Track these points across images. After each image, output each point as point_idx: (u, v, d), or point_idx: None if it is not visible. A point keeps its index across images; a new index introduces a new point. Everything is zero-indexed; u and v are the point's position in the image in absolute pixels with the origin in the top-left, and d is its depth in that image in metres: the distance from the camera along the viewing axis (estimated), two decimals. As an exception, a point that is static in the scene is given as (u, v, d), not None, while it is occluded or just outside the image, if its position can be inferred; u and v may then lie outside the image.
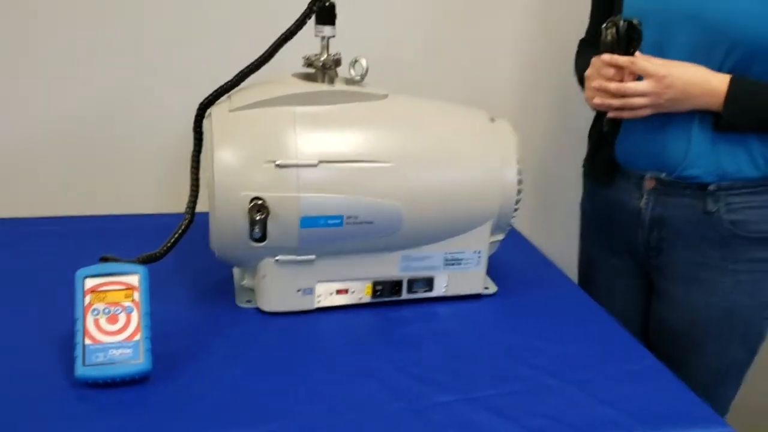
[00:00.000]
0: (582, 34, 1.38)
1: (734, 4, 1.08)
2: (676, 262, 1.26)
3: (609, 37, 1.09)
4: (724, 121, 1.10)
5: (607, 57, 1.11)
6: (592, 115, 1.33)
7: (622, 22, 1.08)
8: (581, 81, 1.30)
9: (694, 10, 1.10)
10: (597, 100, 1.15)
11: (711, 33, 1.09)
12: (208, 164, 1.01)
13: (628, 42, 1.09)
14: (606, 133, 1.20)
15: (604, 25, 1.10)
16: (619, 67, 1.10)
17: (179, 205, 1.09)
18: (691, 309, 1.25)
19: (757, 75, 1.09)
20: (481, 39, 1.57)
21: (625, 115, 1.13)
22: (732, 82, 1.08)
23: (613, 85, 1.11)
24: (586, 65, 1.20)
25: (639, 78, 1.10)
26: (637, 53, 1.10)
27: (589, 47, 1.32)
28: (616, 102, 1.12)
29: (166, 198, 1.51)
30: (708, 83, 1.09)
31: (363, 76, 1.08)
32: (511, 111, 1.61)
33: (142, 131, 1.47)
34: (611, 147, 1.27)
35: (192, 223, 1.07)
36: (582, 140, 1.38)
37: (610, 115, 1.16)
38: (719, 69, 1.10)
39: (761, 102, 1.09)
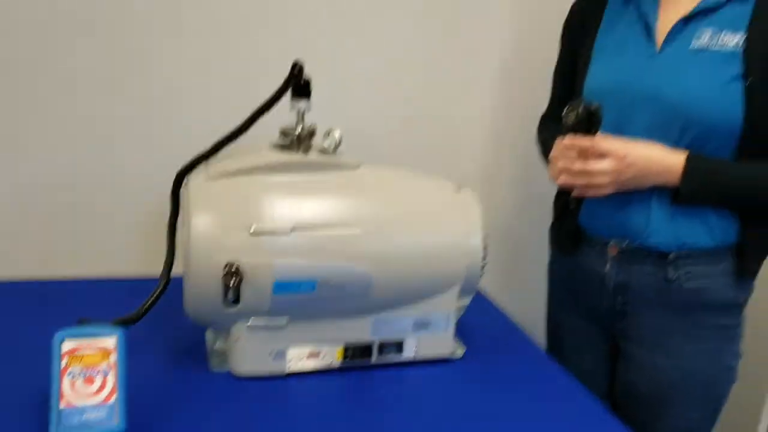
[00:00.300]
0: (543, 108, 1.45)
1: (690, 87, 1.15)
2: (640, 327, 1.30)
3: (570, 121, 1.15)
4: (682, 196, 1.16)
5: (569, 141, 1.16)
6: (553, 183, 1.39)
7: (581, 107, 1.14)
8: (544, 153, 1.36)
9: (652, 92, 1.17)
10: (562, 180, 1.20)
11: (668, 114, 1.16)
12: (185, 230, 1.04)
13: (589, 124, 1.14)
14: (572, 209, 1.25)
15: (565, 110, 1.16)
16: (581, 149, 1.16)
17: (156, 269, 1.12)
18: (656, 373, 1.29)
19: (711, 152, 1.16)
20: (450, 113, 1.63)
21: (590, 193, 1.18)
22: (688, 160, 1.15)
23: (576, 166, 1.16)
24: (548, 140, 1.27)
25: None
26: (598, 134, 1.16)
27: (550, 122, 1.39)
28: (580, 181, 1.17)
29: (143, 262, 1.53)
30: (666, 161, 1.16)
31: (336, 147, 1.13)
32: (478, 179, 1.67)
33: (121, 196, 1.50)
34: (575, 216, 1.32)
35: (168, 286, 1.10)
36: (547, 206, 1.43)
37: (575, 193, 1.21)
38: (675, 146, 1.17)
39: (716, 178, 1.16)
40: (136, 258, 1.54)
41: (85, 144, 1.47)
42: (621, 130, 1.19)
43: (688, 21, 1.17)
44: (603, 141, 1.15)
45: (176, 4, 1.44)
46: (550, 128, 1.32)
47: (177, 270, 1.09)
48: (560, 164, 1.19)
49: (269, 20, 1.49)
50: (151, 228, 1.52)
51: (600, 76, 1.25)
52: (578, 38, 1.31)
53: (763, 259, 1.26)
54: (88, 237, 1.51)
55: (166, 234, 1.12)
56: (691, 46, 1.16)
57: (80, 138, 1.47)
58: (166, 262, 1.11)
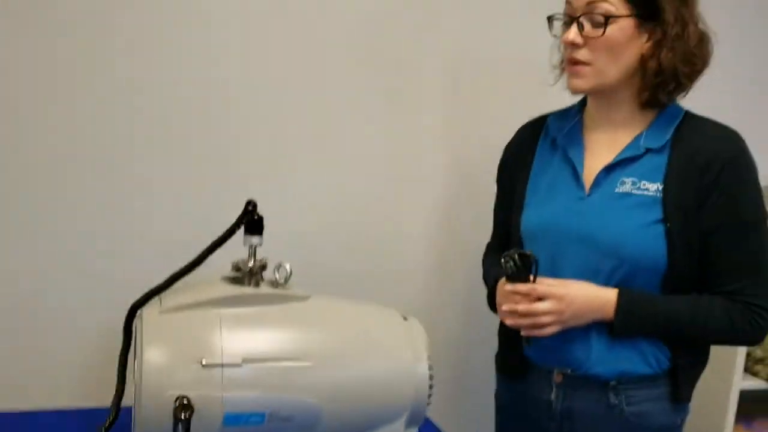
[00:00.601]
0: (481, 237, 1.53)
1: (617, 229, 1.24)
2: (586, 453, 1.33)
3: (509, 270, 1.22)
4: (616, 329, 1.24)
5: (510, 287, 1.23)
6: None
7: (516, 256, 1.22)
8: (486, 282, 1.43)
9: (583, 233, 1.26)
10: (509, 321, 1.26)
11: (599, 254, 1.25)
12: (137, 363, 1.06)
13: (526, 270, 1.22)
14: (526, 347, 1.30)
15: (502, 258, 1.23)
16: (523, 293, 1.24)
17: (105, 400, 1.12)
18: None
19: (639, 287, 1.25)
20: (393, 241, 1.70)
21: (535, 333, 1.25)
22: (619, 296, 1.23)
23: (521, 308, 1.22)
24: (488, 270, 1.34)
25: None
26: (537, 278, 1.23)
27: (494, 252, 1.46)
28: (525, 322, 1.24)
29: (93, 394, 1.52)
30: (600, 298, 1.23)
31: (287, 279, 1.18)
32: (424, 306, 1.71)
33: (72, 328, 1.50)
34: (519, 344, 1.37)
35: (117, 419, 1.10)
36: (491, 333, 1.48)
37: (523, 333, 1.26)
38: (606, 284, 1.25)
39: (645, 312, 1.24)
40: (86, 390, 1.52)
41: (37, 273, 1.49)
42: (556, 268, 1.26)
43: (610, 169, 1.28)
44: (541, 285, 1.22)
45: (121, 152, 1.50)
46: (492, 259, 1.39)
47: (127, 401, 1.10)
48: (505, 307, 1.25)
49: (221, 158, 1.55)
50: (102, 360, 1.51)
51: (534, 217, 1.33)
52: (512, 178, 1.41)
53: (695, 383, 1.32)
54: (37, 369, 1.50)
55: (117, 366, 1.13)
56: (616, 190, 1.26)
57: (34, 267, 1.48)
58: (116, 393, 1.12)
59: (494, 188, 1.47)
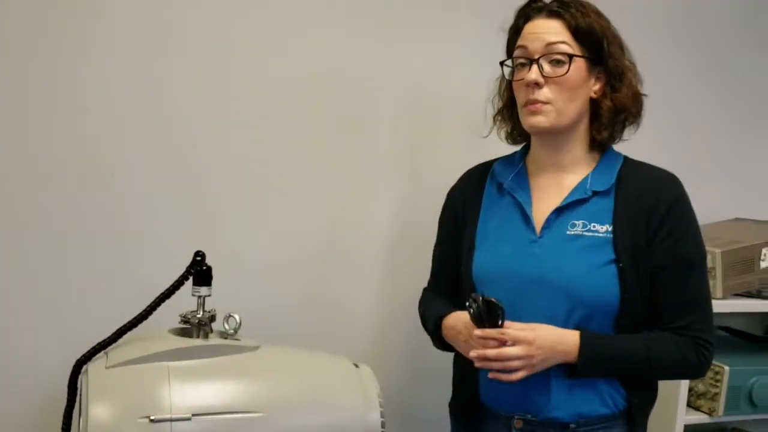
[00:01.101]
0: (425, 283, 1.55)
1: (571, 270, 1.25)
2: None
3: (475, 314, 1.21)
4: (579, 371, 1.25)
5: (479, 332, 1.22)
6: (449, 357, 1.46)
7: (481, 299, 1.22)
8: (424, 326, 1.44)
9: (537, 276, 1.27)
10: (479, 365, 1.26)
11: (554, 296, 1.26)
12: (82, 420, 1.03)
13: (493, 315, 1.23)
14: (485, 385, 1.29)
15: (467, 303, 1.22)
16: (493, 338, 1.23)
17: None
18: None
19: (595, 327, 1.27)
20: (340, 288, 1.71)
21: (504, 377, 1.23)
22: (581, 338, 1.24)
23: (491, 352, 1.21)
24: (426, 310, 1.37)
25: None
26: (505, 322, 1.24)
27: (431, 294, 1.47)
28: (495, 365, 1.23)
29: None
30: (565, 341, 1.24)
31: (236, 330, 1.17)
32: (372, 356, 1.70)
33: (12, 385, 1.45)
34: (475, 391, 1.38)
35: (59, 481, 1.07)
36: (444, 380, 1.49)
37: (492, 375, 1.23)
38: (564, 325, 1.26)
39: (606, 352, 1.25)
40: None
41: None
42: (513, 312, 1.27)
43: (560, 212, 1.30)
44: (511, 329, 1.21)
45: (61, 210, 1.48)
46: (432, 302, 1.40)
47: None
48: (473, 354, 1.24)
49: (167, 209, 1.54)
50: (45, 420, 1.46)
51: (486, 261, 1.35)
52: (458, 224, 1.43)
53: (647, 420, 1.35)
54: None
55: (62, 425, 1.10)
56: (567, 232, 1.30)
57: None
58: (59, 454, 1.09)
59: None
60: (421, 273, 1.52)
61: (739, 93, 2.06)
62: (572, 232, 1.28)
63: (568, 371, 1.26)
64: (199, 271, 1.15)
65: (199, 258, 1.16)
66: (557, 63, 1.24)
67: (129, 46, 1.48)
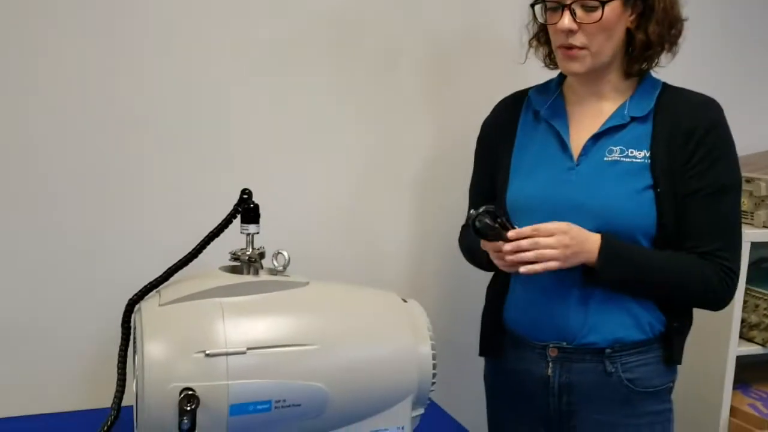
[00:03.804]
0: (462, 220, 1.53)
1: (609, 196, 1.25)
2: (586, 424, 1.34)
3: (484, 226, 1.18)
4: (598, 270, 1.22)
5: (513, 233, 1.19)
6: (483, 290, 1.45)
7: (484, 210, 1.17)
8: (470, 258, 1.43)
9: (574, 202, 1.27)
10: (511, 262, 1.21)
11: (590, 221, 1.24)
12: (138, 358, 1.04)
13: (505, 222, 1.21)
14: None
15: (472, 220, 1.18)
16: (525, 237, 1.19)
17: (104, 401, 1.11)
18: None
19: None
20: (378, 222, 1.71)
21: (538, 267, 1.20)
22: (603, 238, 1.23)
23: (526, 242, 1.19)
24: (471, 244, 1.35)
25: None
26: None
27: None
28: (530, 255, 1.19)
29: (91, 394, 1.50)
30: (592, 238, 1.23)
31: (285, 266, 1.17)
32: (413, 290, 1.71)
33: (68, 328, 1.48)
34: (500, 321, 1.38)
35: (118, 418, 1.09)
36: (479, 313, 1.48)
37: (523, 270, 1.21)
38: None
39: (626, 254, 1.23)
40: (85, 392, 1.50)
41: (31, 277, 1.46)
42: None
43: (597, 138, 1.30)
44: (543, 225, 1.20)
45: (110, 153, 1.49)
46: (468, 234, 1.40)
47: (127, 401, 1.08)
48: (508, 247, 1.21)
49: (213, 153, 1.55)
50: (101, 360, 1.49)
51: (522, 189, 1.34)
52: (493, 154, 1.41)
53: (684, 345, 1.34)
54: (35, 373, 1.47)
55: (117, 364, 1.11)
56: (605, 159, 1.28)
57: (28, 271, 1.46)
58: (116, 393, 1.10)
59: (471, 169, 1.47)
60: (456, 209, 1.51)
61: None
62: (610, 158, 1.26)
63: (585, 273, 1.23)
64: (247, 209, 1.14)
65: (246, 196, 1.15)
66: (590, 8, 1.20)
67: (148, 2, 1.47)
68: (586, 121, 1.32)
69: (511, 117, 1.40)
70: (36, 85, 1.43)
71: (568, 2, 1.22)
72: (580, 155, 1.30)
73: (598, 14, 1.21)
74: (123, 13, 1.47)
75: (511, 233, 1.20)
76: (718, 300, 1.30)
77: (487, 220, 1.18)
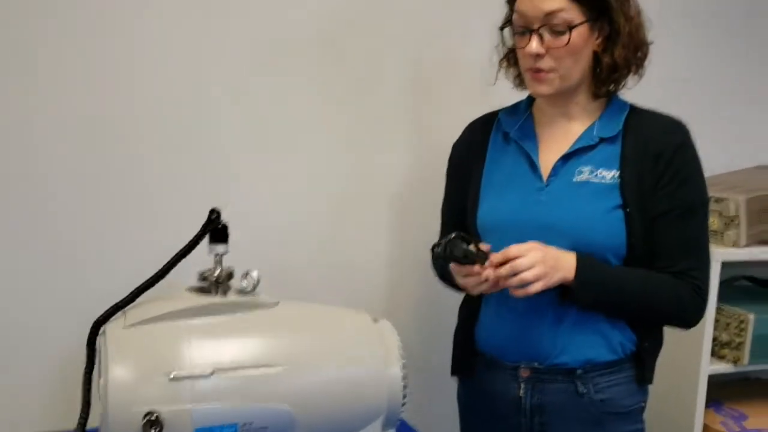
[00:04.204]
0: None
1: (579, 215, 1.26)
2: (556, 445, 1.34)
3: (461, 253, 1.19)
4: (575, 289, 1.22)
5: (497, 257, 1.19)
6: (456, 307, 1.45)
7: (455, 237, 1.18)
8: (442, 277, 1.43)
9: (544, 221, 1.27)
10: (493, 290, 1.23)
11: (561, 241, 1.25)
12: (102, 380, 1.03)
13: (476, 248, 1.21)
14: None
15: (442, 248, 1.19)
16: (500, 263, 1.20)
17: (69, 424, 1.09)
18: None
19: None
20: (354, 245, 1.70)
21: (523, 292, 1.20)
22: (578, 257, 1.23)
23: (504, 269, 1.19)
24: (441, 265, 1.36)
25: None
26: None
27: None
28: (514, 280, 1.18)
29: (55, 417, 1.47)
30: (567, 255, 1.23)
31: (255, 286, 1.16)
32: (386, 309, 1.70)
33: (31, 347, 1.46)
34: (476, 343, 1.37)
35: (83, 441, 1.07)
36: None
37: (513, 292, 1.21)
38: None
39: (601, 274, 1.24)
40: (49, 414, 1.48)
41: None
42: None
43: (567, 159, 1.30)
44: (513, 246, 1.20)
45: (79, 168, 1.47)
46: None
47: (92, 423, 1.07)
48: (484, 286, 1.22)
49: (185, 168, 1.54)
50: (65, 382, 1.47)
51: (492, 210, 1.34)
52: (464, 175, 1.41)
53: (655, 365, 1.35)
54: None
55: (82, 385, 1.10)
56: (574, 179, 1.28)
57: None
58: (81, 415, 1.09)
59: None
60: (432, 229, 1.51)
61: (759, 35, 2.01)
62: (579, 179, 1.28)
63: (560, 294, 1.23)
64: (216, 229, 1.13)
65: (214, 216, 1.14)
66: (558, 32, 1.21)
67: (139, 6, 1.47)
68: (555, 141, 1.33)
69: (481, 138, 1.41)
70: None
71: (536, 26, 1.23)
72: (550, 176, 1.30)
73: (565, 38, 1.22)
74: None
75: (492, 258, 1.20)
76: (690, 319, 1.32)
77: (464, 245, 1.19)
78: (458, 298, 1.46)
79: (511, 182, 1.34)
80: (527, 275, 1.18)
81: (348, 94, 1.67)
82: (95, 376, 1.09)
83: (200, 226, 1.14)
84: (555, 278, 1.21)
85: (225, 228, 1.13)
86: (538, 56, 1.24)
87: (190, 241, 1.12)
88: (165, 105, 1.52)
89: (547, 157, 1.32)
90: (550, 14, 1.21)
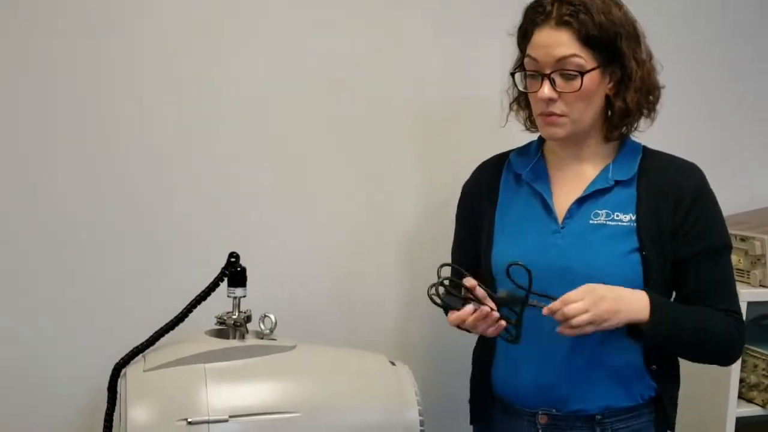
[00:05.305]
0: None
1: (595, 258, 1.24)
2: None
3: (508, 300, 1.17)
4: (648, 329, 1.19)
5: (546, 311, 1.16)
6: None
7: (439, 282, 1.13)
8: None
9: (560, 264, 1.25)
10: (494, 331, 1.21)
11: (578, 284, 1.23)
12: (122, 423, 1.04)
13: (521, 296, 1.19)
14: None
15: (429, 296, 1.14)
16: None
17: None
18: None
19: None
20: (372, 287, 1.70)
21: (568, 332, 1.17)
22: (650, 295, 1.20)
23: (558, 316, 1.16)
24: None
25: None
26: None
27: None
28: (568, 331, 1.16)
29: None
30: (634, 294, 1.19)
31: (272, 329, 1.17)
32: (402, 351, 1.69)
33: (54, 390, 1.47)
34: (488, 386, 1.36)
35: (103, 484, 1.08)
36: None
37: (560, 330, 1.17)
38: None
39: (674, 312, 1.22)
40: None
41: (16, 336, 1.46)
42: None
43: (582, 202, 1.29)
44: (569, 293, 1.17)
45: (103, 212, 1.49)
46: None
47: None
48: (492, 329, 1.20)
49: (202, 213, 1.55)
50: (85, 424, 1.48)
51: (507, 253, 1.32)
52: (475, 217, 1.41)
53: (675, 408, 1.32)
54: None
55: (103, 428, 1.11)
56: (591, 222, 1.27)
57: (12, 329, 1.46)
58: (101, 457, 1.10)
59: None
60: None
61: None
62: (596, 222, 1.27)
63: (627, 331, 1.21)
64: (234, 272, 1.15)
65: (233, 259, 1.16)
66: (570, 77, 1.22)
67: (155, 46, 1.50)
68: (568, 184, 1.32)
69: (492, 179, 1.41)
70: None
71: (548, 72, 1.23)
72: (565, 218, 1.29)
73: (577, 83, 1.22)
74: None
75: (544, 311, 1.19)
76: (735, 356, 1.31)
77: (453, 293, 1.17)
78: (474, 340, 1.45)
79: (525, 224, 1.33)
80: (578, 320, 1.17)
81: (357, 136, 1.65)
82: (116, 418, 1.10)
83: (218, 270, 1.16)
84: (614, 321, 1.19)
85: (244, 271, 1.15)
86: (550, 101, 1.24)
87: (210, 285, 1.13)
88: (180, 150, 1.53)
89: (561, 199, 1.31)
90: (562, 60, 1.22)
